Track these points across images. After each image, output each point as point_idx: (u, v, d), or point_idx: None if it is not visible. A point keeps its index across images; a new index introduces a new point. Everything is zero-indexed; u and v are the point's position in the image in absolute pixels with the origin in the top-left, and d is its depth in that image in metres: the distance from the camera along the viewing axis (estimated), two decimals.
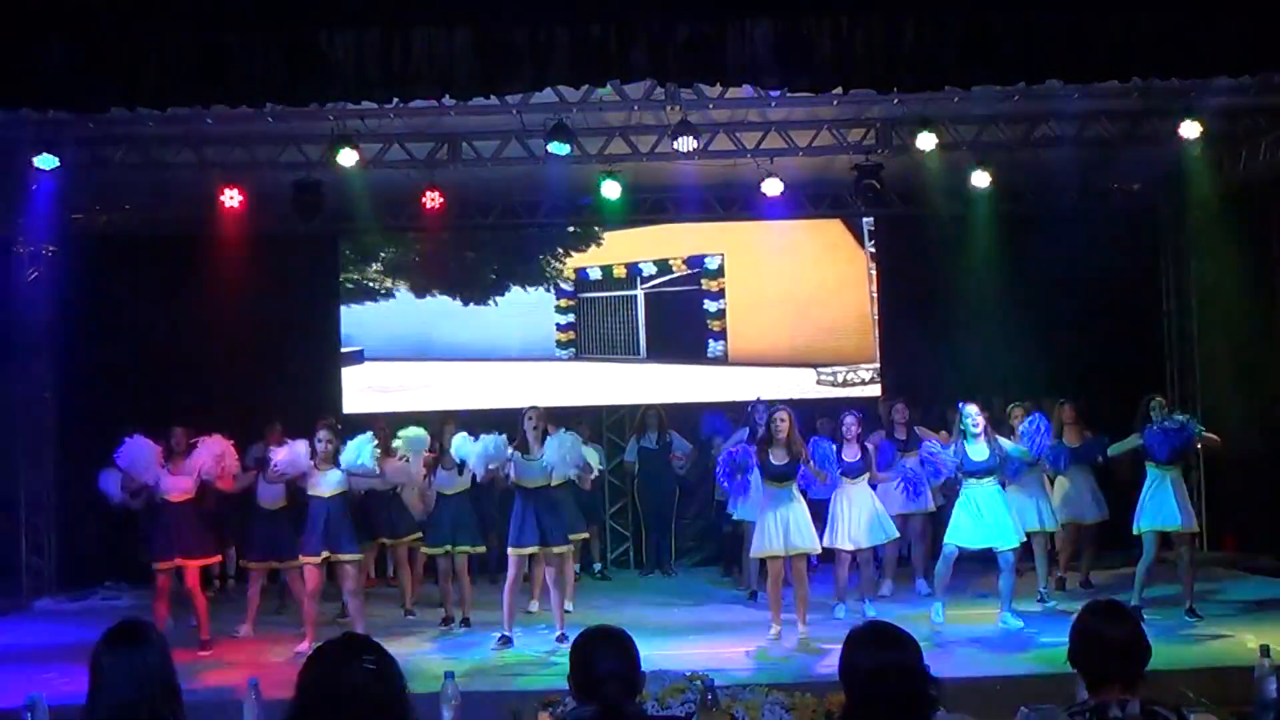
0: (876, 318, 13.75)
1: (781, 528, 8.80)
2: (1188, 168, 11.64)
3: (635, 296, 14.35)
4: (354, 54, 7.31)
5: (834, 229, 14.02)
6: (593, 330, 14.36)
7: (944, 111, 10.50)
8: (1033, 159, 11.70)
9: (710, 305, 14.41)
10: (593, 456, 9.80)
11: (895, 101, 10.08)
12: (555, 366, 14.28)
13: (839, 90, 8.13)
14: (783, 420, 8.92)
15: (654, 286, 14.48)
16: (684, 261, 14.43)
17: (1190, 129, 10.38)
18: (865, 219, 13.50)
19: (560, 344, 14.18)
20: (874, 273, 13.80)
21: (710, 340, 14.35)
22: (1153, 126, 10.91)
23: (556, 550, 9.06)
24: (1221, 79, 8.29)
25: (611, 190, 11.49)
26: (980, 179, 11.61)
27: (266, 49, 7.32)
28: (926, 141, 10.45)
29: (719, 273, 14.33)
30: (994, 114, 10.84)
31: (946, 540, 9.20)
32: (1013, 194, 12.52)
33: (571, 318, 14.26)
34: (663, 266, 14.38)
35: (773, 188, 11.63)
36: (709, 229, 13.89)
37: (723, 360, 14.29)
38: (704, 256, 14.48)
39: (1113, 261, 13.06)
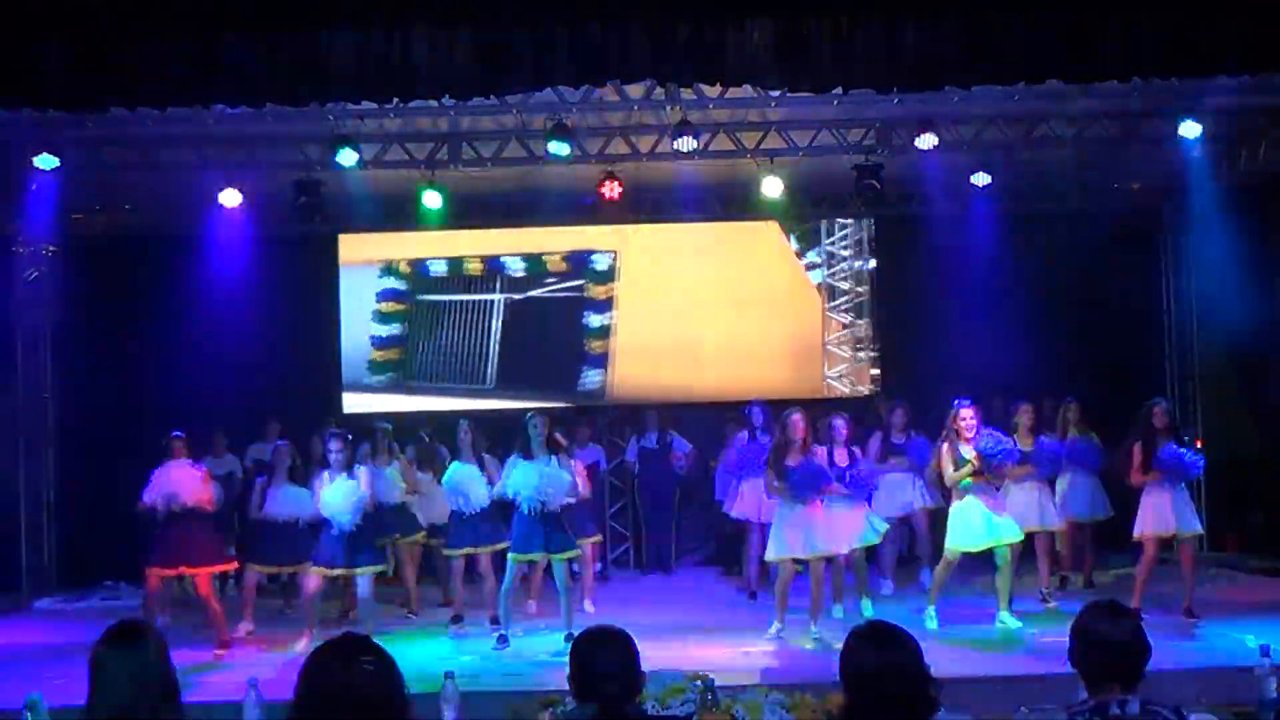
0: (827, 339, 12.98)
1: (802, 531, 8.74)
2: (1188, 168, 11.63)
3: (492, 304, 12.09)
4: (354, 54, 7.32)
5: (766, 232, 13.00)
6: (427, 349, 11.98)
7: (944, 111, 10.50)
8: (1033, 159, 11.71)
9: (592, 319, 12.51)
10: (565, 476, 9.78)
11: (895, 101, 10.08)
12: (356, 398, 12.15)
13: (839, 90, 8.13)
14: (798, 423, 8.86)
15: (521, 291, 11.99)
16: (563, 259, 12.48)
17: (1190, 129, 10.39)
18: (864, 219, 13.50)
19: (373, 366, 12.04)
20: (823, 284, 13.16)
21: (584, 369, 12.31)
22: (1153, 126, 10.92)
23: (559, 557, 9.02)
24: (1221, 79, 8.29)
25: (432, 200, 11.41)
26: (980, 179, 11.60)
27: (266, 49, 7.33)
28: (926, 141, 10.45)
29: (608, 276, 12.56)
30: (994, 114, 10.84)
31: (948, 546, 9.17)
32: (1013, 194, 12.52)
33: (397, 328, 12.10)
34: (535, 264, 12.24)
35: (773, 188, 11.63)
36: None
37: (599, 396, 12.26)
38: (590, 254, 12.60)
39: (1113, 261, 13.08)
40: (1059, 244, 12.67)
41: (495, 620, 9.42)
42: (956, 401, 9.17)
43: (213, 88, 7.55)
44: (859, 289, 13.49)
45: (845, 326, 13.54)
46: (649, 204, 12.87)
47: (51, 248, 12.66)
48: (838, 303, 13.49)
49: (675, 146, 10.40)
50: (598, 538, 10.91)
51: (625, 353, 12.57)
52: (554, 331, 12.07)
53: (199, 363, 12.27)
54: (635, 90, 9.71)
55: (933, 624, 8.99)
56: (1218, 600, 9.79)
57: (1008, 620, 9.00)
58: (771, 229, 13.14)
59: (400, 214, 12.63)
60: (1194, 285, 13.31)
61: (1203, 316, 13.18)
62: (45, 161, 10.30)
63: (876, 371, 13.41)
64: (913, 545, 11.22)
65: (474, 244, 12.52)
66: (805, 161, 11.56)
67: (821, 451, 9.15)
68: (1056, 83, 8.03)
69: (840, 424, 9.76)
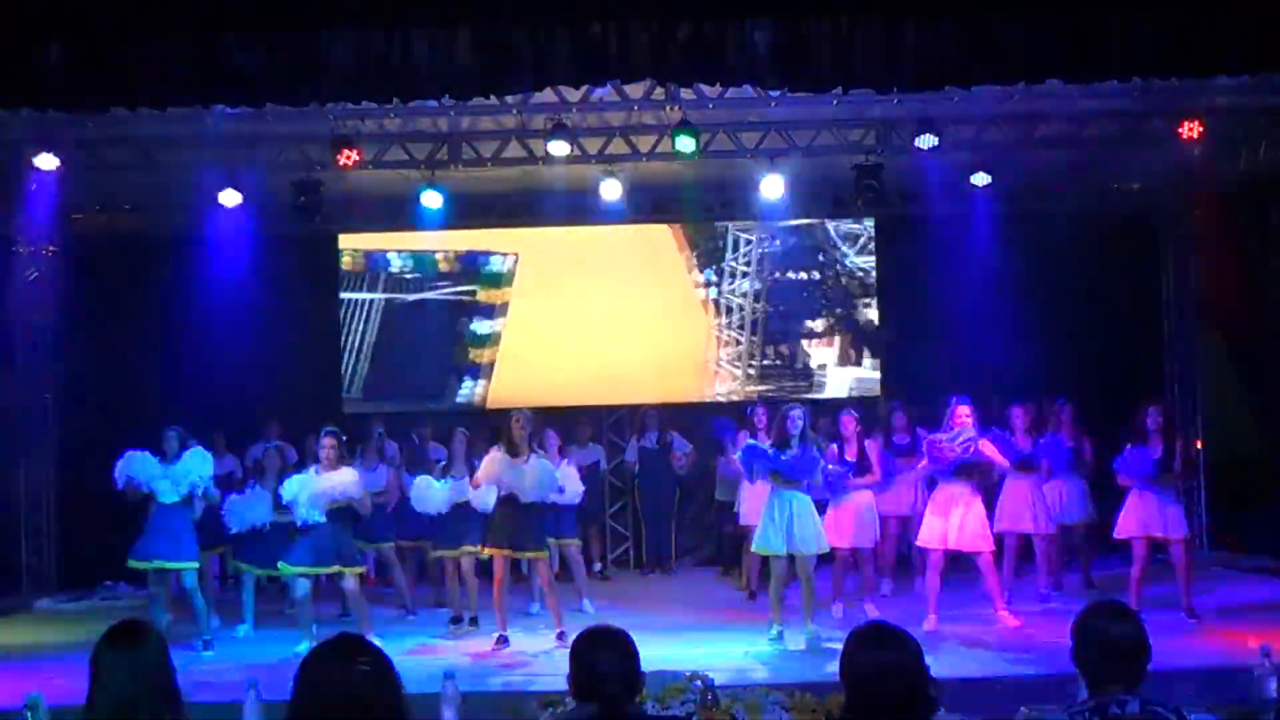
0: (719, 356, 13.04)
1: (784, 527, 8.78)
2: (1188, 168, 11.63)
3: (371, 303, 12.06)
4: (354, 54, 7.31)
5: (659, 236, 13.12)
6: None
7: (944, 111, 10.50)
8: (1033, 159, 11.70)
9: (480, 326, 12.52)
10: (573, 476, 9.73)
11: (895, 101, 10.07)
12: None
13: (839, 90, 8.13)
14: (797, 419, 8.90)
15: (410, 292, 11.86)
16: (456, 258, 12.42)
17: (1190, 129, 10.38)
18: (860, 219, 13.51)
19: None
20: (710, 289, 13.26)
21: (464, 377, 12.23)
22: (1153, 126, 10.91)
23: (528, 555, 9.04)
24: (1221, 79, 8.29)
25: (432, 200, 11.43)
26: (980, 179, 11.60)
27: (266, 49, 7.32)
28: (926, 141, 10.45)
29: (504, 280, 12.59)
30: (994, 114, 10.84)
31: (921, 544, 9.18)
32: (1013, 194, 12.52)
33: None
34: (422, 263, 12.20)
35: (773, 188, 11.62)
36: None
37: (478, 410, 12.21)
38: (486, 255, 12.60)
39: (1113, 261, 13.09)
40: (1059, 244, 12.65)
41: (458, 619, 9.70)
42: (954, 399, 9.19)
43: (213, 88, 7.54)
44: (755, 305, 13.53)
45: (736, 344, 13.49)
46: (649, 204, 12.88)
47: (51, 248, 12.67)
48: (730, 320, 13.54)
49: (675, 146, 10.39)
50: (576, 541, 10.88)
51: (508, 360, 12.73)
52: (435, 335, 12.06)
53: (199, 363, 12.27)
54: (635, 90, 9.70)
55: (931, 627, 8.99)
56: (1218, 600, 9.79)
57: (1005, 620, 9.01)
58: (670, 237, 13.33)
59: (400, 214, 12.63)
60: (1194, 285, 13.31)
61: (1202, 316, 13.18)
62: (45, 161, 10.29)
63: (877, 375, 13.41)
64: (910, 550, 11.22)
65: (356, 240, 12.57)
66: (805, 161, 11.56)
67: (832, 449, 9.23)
68: (1056, 83, 8.03)
69: (849, 420, 9.79)
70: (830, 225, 13.47)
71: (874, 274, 13.43)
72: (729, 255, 13.46)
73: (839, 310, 13.48)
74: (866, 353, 13.43)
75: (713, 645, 8.61)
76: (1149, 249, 13.62)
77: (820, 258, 13.48)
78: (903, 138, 10.85)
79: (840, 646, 3.15)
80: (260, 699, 5.58)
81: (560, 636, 8.73)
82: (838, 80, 7.72)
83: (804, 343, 13.48)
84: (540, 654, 8.62)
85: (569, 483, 10.05)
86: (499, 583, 8.98)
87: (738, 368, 13.45)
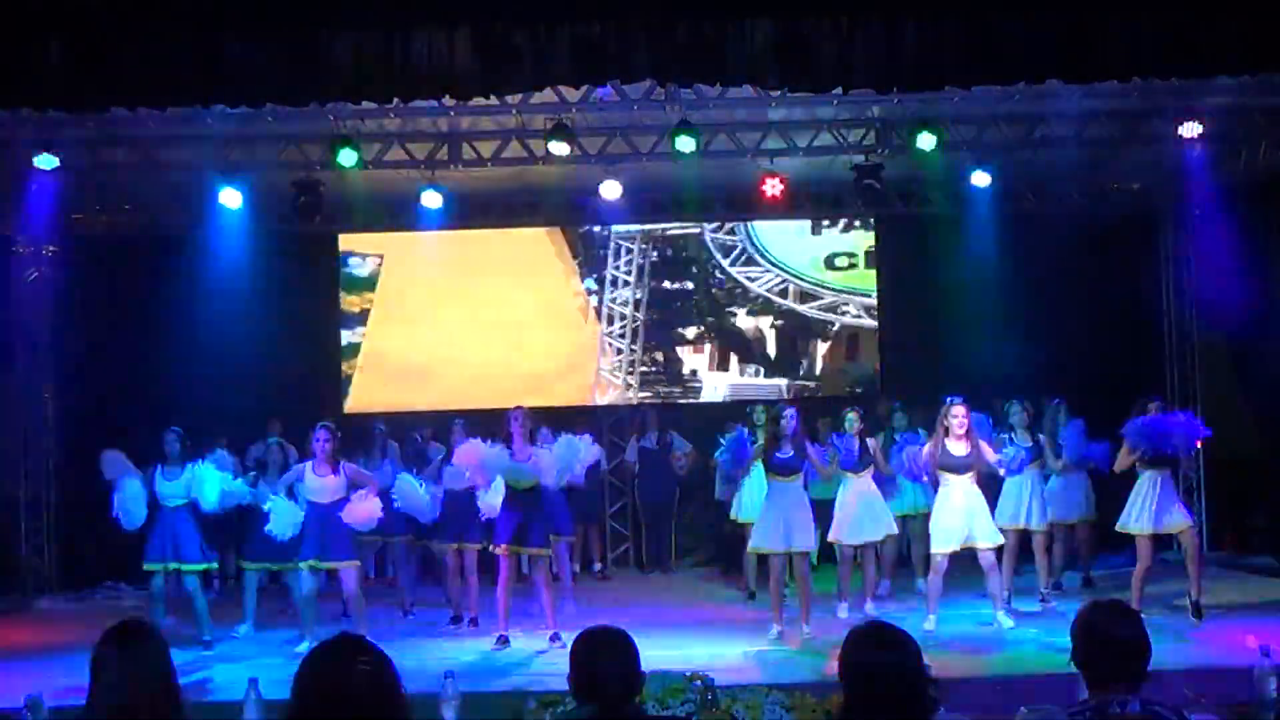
0: (601, 366, 13.15)
1: (783, 525, 8.80)
2: (1188, 168, 11.62)
3: None
4: (354, 54, 7.31)
5: (544, 246, 13.27)
6: None
7: (944, 111, 10.50)
8: (1033, 159, 11.70)
9: (342, 335, 13.05)
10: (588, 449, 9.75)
11: (895, 101, 10.07)
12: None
13: (839, 90, 8.13)
14: (791, 417, 8.94)
15: None
16: None
17: (1190, 129, 10.38)
18: (861, 219, 13.52)
19: None
20: (592, 297, 13.40)
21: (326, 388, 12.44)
22: (1153, 126, 10.91)
23: (533, 552, 9.05)
24: (1221, 79, 8.29)
25: (432, 200, 11.46)
26: (980, 179, 11.60)
27: (266, 49, 7.33)
28: (926, 141, 10.45)
29: (367, 284, 12.96)
30: (994, 114, 10.84)
31: (932, 550, 9.19)
32: (1013, 194, 12.52)
33: None
34: None
35: (773, 188, 11.62)
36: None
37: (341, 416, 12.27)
38: (347, 256, 13.09)
39: (1113, 261, 13.09)
40: (1059, 244, 12.65)
41: (457, 619, 9.73)
42: (948, 399, 9.18)
43: (213, 88, 7.55)
44: (637, 315, 13.63)
45: (619, 353, 13.59)
46: (649, 204, 12.88)
47: (51, 248, 12.66)
48: (613, 329, 13.63)
49: (675, 146, 10.38)
50: (571, 538, 10.90)
51: (371, 368, 12.96)
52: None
53: (199, 363, 12.26)
54: (635, 90, 9.70)
55: (932, 626, 8.98)
56: (1218, 600, 9.79)
57: (1004, 620, 9.01)
58: (549, 242, 13.43)
59: (400, 214, 12.64)
60: (1194, 285, 13.31)
61: (1203, 316, 13.18)
62: (45, 161, 10.29)
63: (752, 380, 13.48)
64: (909, 550, 11.23)
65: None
66: (805, 161, 11.56)
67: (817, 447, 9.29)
68: (1056, 83, 8.03)
69: (854, 417, 9.83)
70: (708, 235, 13.64)
71: (746, 284, 13.63)
72: (611, 263, 13.63)
73: (710, 319, 13.69)
74: (735, 358, 13.63)
75: (713, 645, 8.61)
76: (1149, 249, 13.62)
77: (694, 269, 13.70)
78: (903, 138, 10.85)
79: (841, 646, 3.15)
80: (260, 699, 5.57)
81: (554, 637, 8.73)
82: (838, 80, 7.72)
83: (679, 350, 13.70)
84: (540, 654, 8.62)
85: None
86: (503, 582, 8.97)
87: (618, 377, 13.56)
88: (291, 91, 7.75)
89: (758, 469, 9.43)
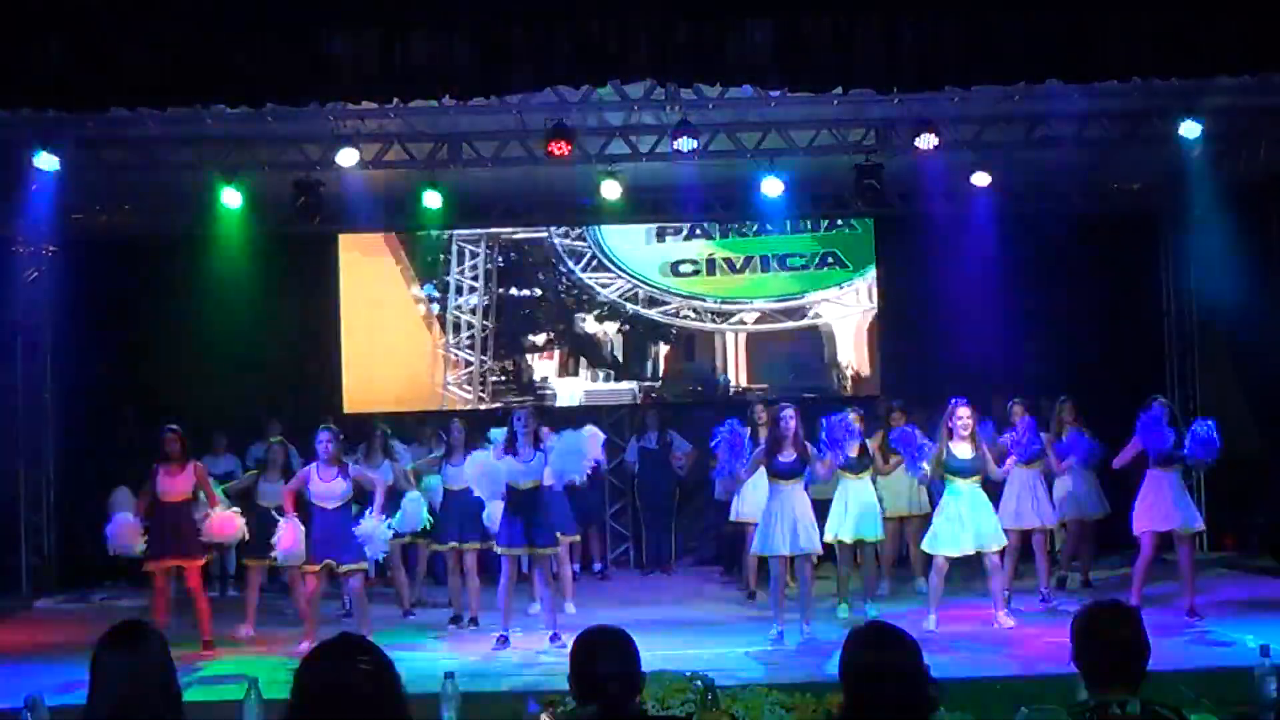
0: (448, 378, 13.16)
1: (788, 528, 8.77)
2: (1188, 168, 11.62)
3: None
4: (354, 54, 7.32)
5: (373, 244, 13.27)
6: None
7: (944, 111, 10.49)
8: (1033, 159, 11.70)
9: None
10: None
11: (895, 101, 10.07)
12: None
13: (839, 90, 8.13)
14: (790, 418, 8.91)
15: None
16: None
17: (1190, 129, 10.38)
18: (865, 219, 13.51)
19: None
20: (433, 305, 13.33)
21: None
22: (1153, 126, 10.91)
23: (542, 552, 9.05)
24: (1221, 79, 8.29)
25: (432, 200, 11.52)
26: (980, 179, 11.60)
27: (266, 49, 7.33)
28: (926, 141, 10.45)
29: None
30: (994, 114, 10.84)
31: (933, 551, 9.18)
32: (1013, 194, 12.52)
33: None
34: None
35: (773, 188, 11.62)
36: None
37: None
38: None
39: (1113, 261, 13.10)
40: (1059, 244, 12.66)
41: (456, 619, 9.76)
42: (953, 400, 9.18)
43: (213, 88, 7.55)
44: (485, 323, 13.60)
45: (466, 365, 13.54)
46: (648, 204, 12.88)
47: (51, 248, 12.66)
48: (459, 338, 13.61)
49: (675, 146, 10.39)
50: (575, 537, 10.90)
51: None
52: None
53: (199, 362, 12.27)
54: (635, 90, 9.70)
55: (932, 626, 8.98)
56: (1218, 600, 9.79)
57: (1004, 620, 9.01)
58: (384, 246, 13.41)
59: (400, 214, 12.64)
60: (1194, 285, 13.31)
61: (1203, 316, 13.19)
62: (45, 161, 10.29)
63: (604, 385, 13.54)
64: (908, 550, 11.23)
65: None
66: (805, 161, 11.56)
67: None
68: (1056, 83, 8.03)
69: (853, 417, 9.81)
70: (557, 240, 13.66)
71: (596, 290, 13.65)
72: (454, 268, 13.62)
73: (560, 325, 13.72)
74: (584, 363, 13.67)
75: (713, 645, 8.61)
76: (1149, 249, 13.62)
77: (541, 275, 13.71)
78: (903, 138, 10.84)
79: (841, 646, 3.15)
80: (260, 699, 5.57)
81: (554, 637, 8.73)
82: (838, 80, 7.73)
83: (528, 357, 13.71)
84: (540, 654, 8.62)
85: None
86: (505, 582, 8.96)
87: (469, 391, 13.53)
88: (291, 91, 7.76)
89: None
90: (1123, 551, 10.20)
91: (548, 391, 13.53)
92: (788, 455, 8.89)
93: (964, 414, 9.05)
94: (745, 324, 13.68)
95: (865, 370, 13.59)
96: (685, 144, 10.28)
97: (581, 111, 10.31)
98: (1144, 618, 3.35)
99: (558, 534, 9.55)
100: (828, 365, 13.65)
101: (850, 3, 7.37)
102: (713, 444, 9.46)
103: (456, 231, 13.47)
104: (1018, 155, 11.50)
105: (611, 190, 11.50)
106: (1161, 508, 9.07)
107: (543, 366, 13.73)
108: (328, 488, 8.85)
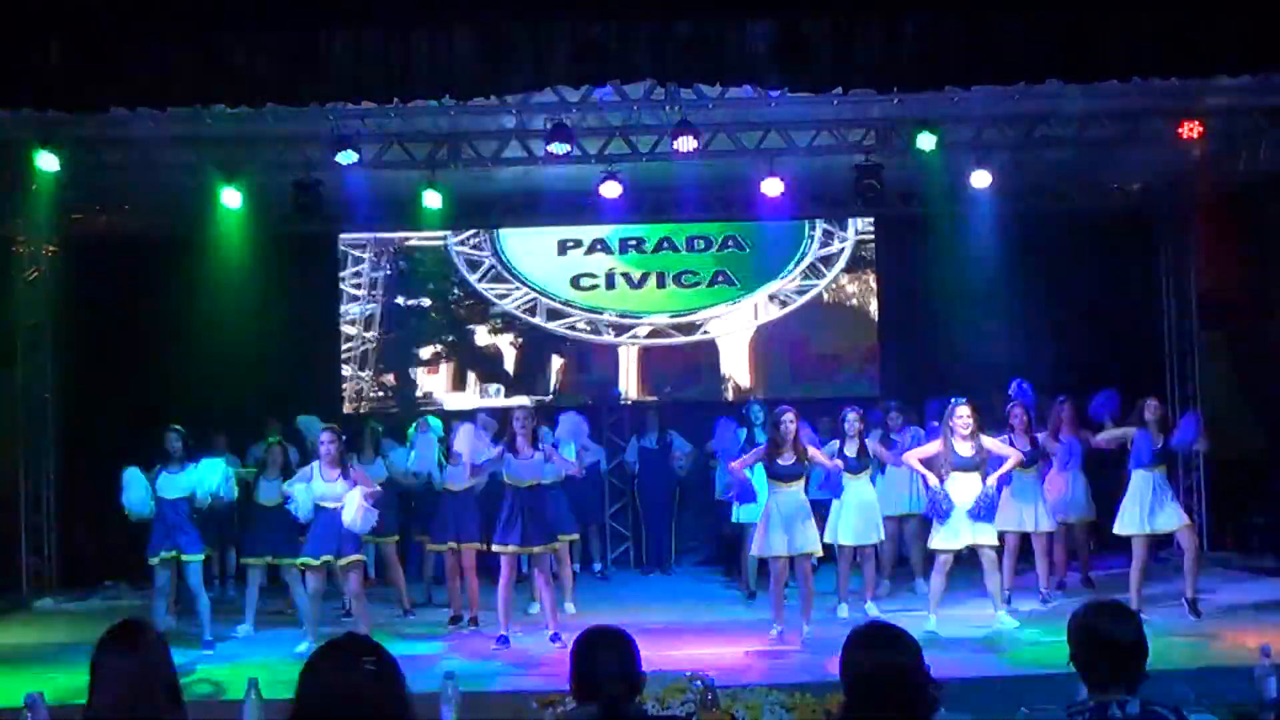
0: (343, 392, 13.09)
1: (786, 529, 8.78)
2: (1188, 168, 11.62)
3: None
4: (354, 54, 7.32)
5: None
6: None
7: (944, 111, 10.49)
8: (1033, 159, 11.70)
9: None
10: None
11: (895, 101, 10.07)
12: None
13: (839, 90, 8.13)
14: (790, 421, 8.91)
15: None
16: None
17: (1190, 129, 10.38)
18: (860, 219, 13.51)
19: None
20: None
21: None
22: (1153, 126, 10.90)
23: (537, 550, 9.05)
24: (1221, 79, 8.28)
25: (432, 200, 11.44)
26: (980, 179, 11.60)
27: (266, 49, 7.33)
28: (926, 141, 10.45)
29: None
30: (994, 114, 10.84)
31: (934, 546, 9.18)
32: (1013, 194, 12.53)
33: None
34: None
35: (773, 188, 11.62)
36: None
37: None
38: None
39: (1113, 261, 13.10)
40: (1059, 244, 12.66)
41: (456, 619, 9.77)
42: (953, 400, 9.18)
43: (213, 88, 7.55)
44: (367, 334, 13.54)
45: (344, 381, 13.48)
46: (649, 204, 12.88)
47: (51, 248, 12.67)
48: (344, 351, 13.55)
49: (675, 146, 10.39)
50: (574, 536, 10.91)
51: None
52: None
53: (199, 362, 12.26)
54: (635, 90, 9.70)
55: (933, 626, 8.97)
56: (1218, 600, 9.79)
57: (1005, 620, 9.01)
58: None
59: (400, 214, 12.64)
60: (1194, 285, 13.31)
61: (1203, 316, 13.19)
62: (45, 161, 10.29)
63: (495, 402, 13.38)
64: (907, 551, 11.22)
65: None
66: (805, 161, 11.55)
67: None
68: (1056, 83, 8.03)
69: (854, 417, 9.82)
70: (454, 249, 13.61)
71: (492, 301, 13.62)
72: (341, 275, 13.54)
73: (450, 337, 13.63)
74: (474, 377, 13.59)
75: (713, 645, 8.61)
76: (1149, 249, 13.62)
77: (431, 285, 13.64)
78: (903, 138, 10.85)
79: (841, 646, 3.15)
80: (260, 699, 5.57)
81: (554, 637, 8.73)
82: (838, 80, 7.72)
83: (412, 371, 13.60)
84: (540, 654, 8.62)
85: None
86: (505, 582, 8.97)
87: (349, 407, 13.42)
88: (291, 91, 7.76)
89: (759, 469, 9.41)
90: (1124, 553, 10.18)
91: (432, 408, 12.95)
92: (787, 458, 8.89)
93: (964, 412, 9.06)
94: (639, 338, 13.70)
95: (746, 381, 13.73)
96: (685, 144, 10.28)
97: (581, 111, 10.31)
98: (1144, 618, 3.35)
99: (557, 534, 9.55)
100: (715, 375, 13.78)
101: (850, 3, 7.37)
102: (711, 444, 9.51)
103: (343, 236, 13.36)
104: (1018, 155, 11.50)
105: (611, 190, 11.49)
106: (1143, 511, 9.08)
107: (429, 381, 13.61)
108: (330, 488, 8.86)
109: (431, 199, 11.55)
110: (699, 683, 6.43)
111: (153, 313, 12.55)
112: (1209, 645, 8.21)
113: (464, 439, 9.22)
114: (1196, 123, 10.34)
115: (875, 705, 3.02)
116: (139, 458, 9.46)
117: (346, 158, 10.48)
